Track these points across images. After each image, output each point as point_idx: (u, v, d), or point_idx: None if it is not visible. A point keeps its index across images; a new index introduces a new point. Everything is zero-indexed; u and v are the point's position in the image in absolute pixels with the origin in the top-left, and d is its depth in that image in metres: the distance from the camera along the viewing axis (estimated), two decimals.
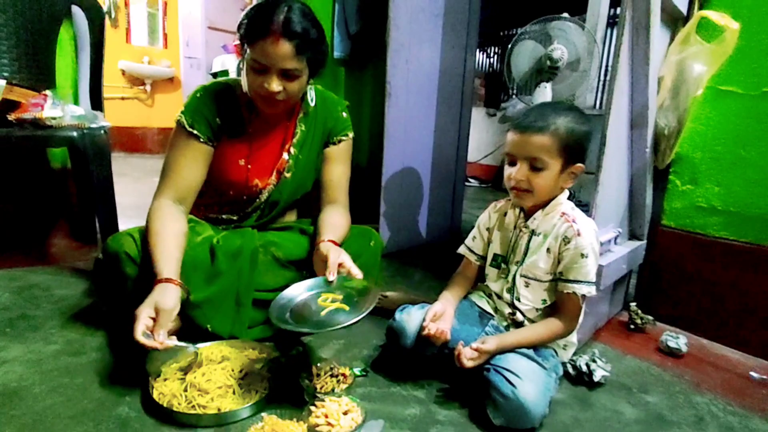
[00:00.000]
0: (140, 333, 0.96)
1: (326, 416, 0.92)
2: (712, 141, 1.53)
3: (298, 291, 1.14)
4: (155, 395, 0.98)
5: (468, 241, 1.29)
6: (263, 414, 0.97)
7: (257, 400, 0.99)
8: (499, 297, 1.20)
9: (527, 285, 1.15)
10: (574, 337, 1.20)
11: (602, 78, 3.09)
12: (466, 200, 2.73)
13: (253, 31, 1.14)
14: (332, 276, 1.12)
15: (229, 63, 4.28)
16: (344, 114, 1.44)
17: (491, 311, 1.22)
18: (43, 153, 2.03)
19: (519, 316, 1.16)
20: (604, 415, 1.09)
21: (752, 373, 1.34)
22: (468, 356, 1.03)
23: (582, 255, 1.07)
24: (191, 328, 1.23)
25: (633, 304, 1.61)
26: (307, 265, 1.28)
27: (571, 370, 1.22)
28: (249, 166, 1.35)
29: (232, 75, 3.69)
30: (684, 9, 1.52)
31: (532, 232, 1.15)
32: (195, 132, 1.26)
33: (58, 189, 2.08)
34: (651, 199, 1.64)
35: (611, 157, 1.34)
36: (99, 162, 1.67)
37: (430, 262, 2.19)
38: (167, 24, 5.35)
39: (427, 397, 1.10)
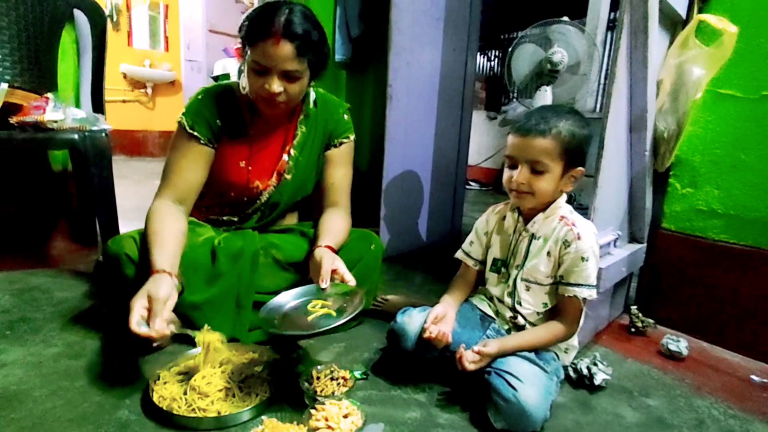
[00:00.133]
0: (135, 323, 0.95)
1: (326, 419, 0.92)
2: (712, 144, 1.53)
3: (289, 297, 1.15)
4: (155, 398, 0.98)
5: (465, 245, 1.29)
6: (263, 417, 0.96)
7: (257, 404, 0.99)
8: (500, 301, 1.20)
9: (528, 289, 1.15)
10: (575, 341, 1.20)
11: (602, 81, 3.10)
12: (467, 203, 2.73)
13: (255, 32, 1.14)
14: (324, 283, 1.12)
15: (230, 66, 4.29)
16: (345, 116, 1.44)
17: (492, 314, 1.22)
18: (45, 155, 2.04)
19: (520, 320, 1.16)
20: (606, 419, 1.09)
21: (753, 377, 1.34)
22: (469, 359, 1.02)
23: (582, 258, 1.07)
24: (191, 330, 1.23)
25: (634, 307, 1.61)
26: (308, 268, 1.28)
27: (572, 373, 1.21)
28: (249, 168, 1.36)
29: (233, 78, 3.70)
30: (683, 12, 1.53)
31: (532, 236, 1.15)
32: (195, 134, 1.27)
33: (58, 191, 2.09)
34: (651, 202, 1.64)
35: (610, 160, 1.34)
36: (100, 164, 1.67)
37: (430, 266, 2.18)
38: (168, 27, 5.37)
39: (428, 401, 1.10)
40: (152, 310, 0.97)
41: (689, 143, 1.58)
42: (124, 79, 5.19)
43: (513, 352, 1.05)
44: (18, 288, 1.59)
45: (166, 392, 1.00)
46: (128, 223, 1.66)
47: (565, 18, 1.74)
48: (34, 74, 1.85)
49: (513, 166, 1.10)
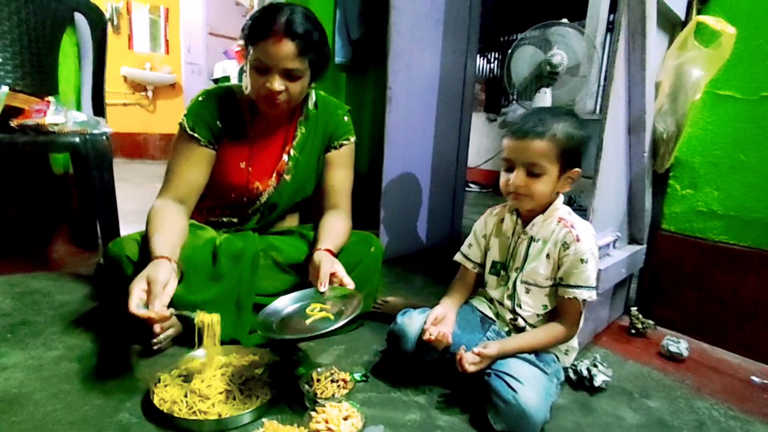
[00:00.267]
0: (134, 305, 0.94)
1: (326, 422, 0.92)
2: (711, 145, 1.54)
3: (288, 301, 1.16)
4: (156, 401, 0.98)
5: (464, 248, 1.29)
6: (264, 420, 0.96)
7: (258, 406, 0.99)
8: (500, 303, 1.20)
9: (528, 291, 1.16)
10: (575, 342, 1.20)
11: (602, 83, 3.10)
12: (467, 205, 2.73)
13: (257, 31, 1.16)
14: (323, 287, 1.12)
15: (231, 69, 4.30)
16: (345, 118, 1.45)
17: (492, 316, 1.22)
18: (46, 159, 2.04)
19: (520, 322, 1.16)
20: (606, 420, 1.09)
21: (753, 378, 1.34)
22: (469, 361, 1.02)
23: (582, 260, 1.07)
24: (192, 332, 1.23)
25: (634, 309, 1.61)
26: (307, 271, 1.28)
27: (572, 374, 1.21)
28: (250, 169, 1.36)
29: (234, 81, 3.71)
30: (681, 14, 1.53)
31: (531, 239, 1.15)
32: (196, 135, 1.28)
33: (60, 194, 2.09)
34: (650, 203, 1.64)
35: (609, 161, 1.34)
36: (101, 167, 1.68)
37: (430, 268, 2.19)
38: (169, 30, 5.39)
39: (428, 403, 1.10)
40: (151, 293, 0.97)
41: (689, 144, 1.58)
42: (124, 82, 5.21)
43: (513, 354, 1.06)
44: (19, 291, 1.60)
45: (167, 395, 1.01)
46: (129, 226, 1.66)
47: (565, 20, 1.74)
48: (35, 78, 1.86)
49: (510, 169, 1.10)
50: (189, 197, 1.29)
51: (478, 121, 5.38)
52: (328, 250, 1.23)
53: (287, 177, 1.40)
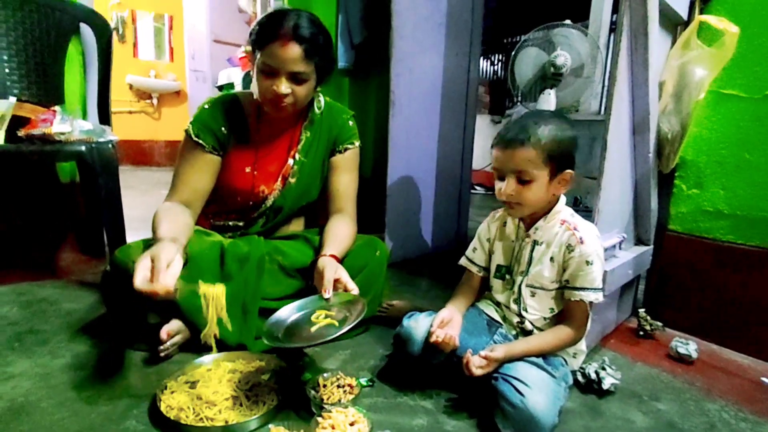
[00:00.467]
0: (139, 280, 0.93)
1: (333, 427, 0.91)
2: (717, 145, 1.53)
3: (293, 309, 1.16)
4: (163, 408, 0.98)
5: (469, 252, 1.29)
6: (270, 426, 0.96)
7: (264, 412, 0.99)
8: (507, 307, 1.20)
9: (533, 295, 1.15)
10: (583, 345, 1.19)
11: (607, 83, 3.08)
12: (472, 208, 2.72)
13: (265, 35, 1.19)
14: (327, 293, 1.12)
15: (235, 76, 4.32)
16: (350, 123, 1.46)
17: (499, 319, 1.21)
18: (52, 167, 2.06)
19: (527, 325, 1.15)
20: (615, 424, 1.08)
21: (763, 379, 1.32)
22: (476, 364, 1.02)
23: (587, 262, 1.07)
24: (199, 339, 1.24)
25: (642, 310, 1.60)
26: (313, 275, 1.29)
27: (580, 378, 1.20)
28: (255, 173, 1.38)
29: (238, 87, 3.73)
30: (684, 14, 1.53)
31: (535, 242, 1.14)
32: (200, 142, 1.30)
33: (66, 202, 2.11)
34: (656, 203, 1.63)
35: (613, 162, 1.34)
36: (107, 175, 1.69)
37: (436, 271, 2.18)
38: (173, 38, 5.44)
39: (435, 407, 1.10)
40: (155, 269, 0.95)
41: (694, 144, 1.57)
42: (130, 89, 5.25)
43: (520, 358, 1.05)
44: (26, 300, 1.61)
45: (174, 402, 1.01)
46: (135, 233, 1.67)
47: (568, 21, 1.74)
48: (41, 87, 1.88)
49: (501, 178, 1.09)
50: (194, 202, 1.31)
51: (483, 123, 5.38)
52: (333, 256, 1.23)
53: (292, 180, 1.41)
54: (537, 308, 1.15)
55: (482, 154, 5.32)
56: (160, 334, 1.19)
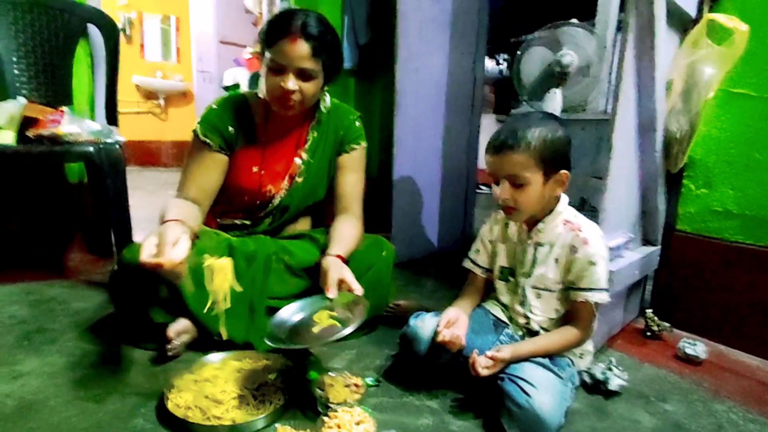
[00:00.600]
0: (145, 254, 0.93)
1: (339, 427, 0.92)
2: (726, 144, 1.51)
3: (296, 309, 1.16)
4: (170, 406, 0.99)
5: (472, 253, 1.28)
6: (277, 425, 0.97)
7: (271, 411, 0.99)
8: (512, 308, 1.19)
9: (538, 296, 1.14)
10: (590, 346, 1.18)
11: (615, 82, 3.06)
12: (478, 207, 2.71)
13: (274, 33, 1.21)
14: (331, 293, 1.13)
15: (241, 76, 4.34)
16: (357, 123, 1.47)
17: (506, 320, 1.21)
18: (61, 168, 2.08)
19: (534, 326, 1.15)
20: (622, 425, 1.07)
21: None
22: (483, 365, 1.02)
23: (591, 262, 1.06)
24: (206, 338, 1.24)
25: (649, 311, 1.59)
26: (318, 275, 1.29)
27: (587, 378, 1.20)
28: (262, 172, 1.39)
29: (244, 88, 3.74)
30: (692, 12, 1.51)
31: (537, 243, 1.13)
32: (208, 141, 1.32)
33: (74, 203, 2.12)
34: (664, 203, 1.62)
35: (619, 162, 1.33)
36: (114, 176, 1.70)
37: (442, 271, 2.18)
38: (180, 39, 5.46)
39: (441, 407, 1.10)
40: (161, 244, 0.96)
41: (703, 143, 1.56)
42: (136, 90, 5.28)
43: (527, 358, 1.04)
44: (35, 299, 1.62)
45: (181, 400, 1.01)
46: (142, 233, 1.68)
47: (574, 20, 1.73)
48: (50, 88, 1.89)
49: (497, 183, 1.09)
50: (202, 200, 1.32)
51: (488, 122, 5.36)
52: (339, 256, 1.24)
53: (299, 180, 1.41)
54: (542, 309, 1.14)
55: None
56: (168, 333, 1.20)
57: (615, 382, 1.16)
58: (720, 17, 1.44)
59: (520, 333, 1.18)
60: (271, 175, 1.40)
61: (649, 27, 1.30)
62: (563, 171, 1.07)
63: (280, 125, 1.38)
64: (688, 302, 1.62)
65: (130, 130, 5.02)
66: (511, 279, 1.19)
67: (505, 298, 1.21)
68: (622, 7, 2.25)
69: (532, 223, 1.14)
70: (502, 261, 1.21)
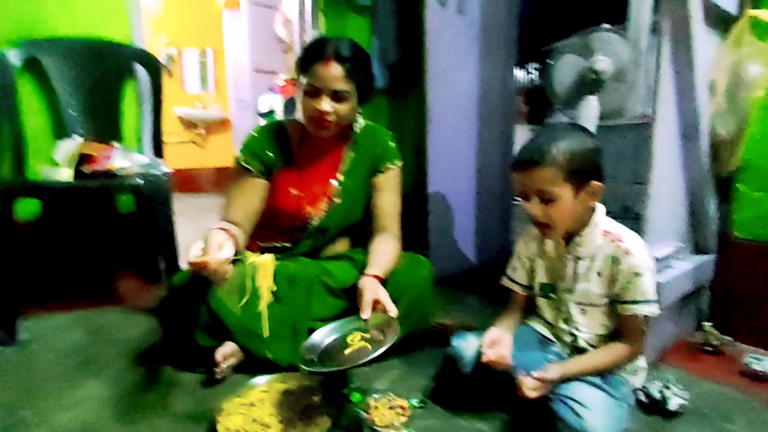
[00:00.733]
0: (192, 255, 1.02)
1: None
2: None
3: (329, 331, 1.17)
4: (221, 430, 1.01)
5: (509, 271, 1.25)
6: None
7: None
8: (557, 326, 1.16)
9: (584, 312, 1.10)
10: (643, 362, 1.13)
11: (653, 86, 2.96)
12: (517, 220, 2.66)
13: (308, 58, 1.28)
14: (364, 315, 1.13)
15: (276, 103, 4.47)
16: (391, 143, 1.49)
17: (552, 337, 1.17)
18: (112, 200, 2.19)
19: (581, 343, 1.11)
20: None
21: None
22: (530, 386, 0.98)
23: (636, 273, 1.02)
24: (253, 360, 1.27)
25: (707, 324, 1.50)
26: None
27: (643, 398, 1.14)
28: (301, 195, 1.42)
29: (279, 114, 3.85)
30: (732, 10, 1.46)
31: (577, 258, 1.10)
32: (248, 167, 1.37)
33: (125, 232, 2.22)
34: (716, 210, 1.54)
35: (662, 168, 1.28)
36: (162, 206, 1.78)
37: (483, 287, 2.14)
38: (217, 70, 5.70)
39: (490, 429, 1.07)
40: (206, 249, 1.04)
41: (755, 144, 1.48)
42: (179, 121, 5.53)
43: (576, 377, 1.01)
44: (90, 326, 1.69)
45: (231, 424, 1.03)
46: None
47: (606, 25, 1.70)
48: (102, 125, 2.01)
49: (526, 199, 1.07)
50: (245, 223, 1.36)
51: (522, 133, 5.29)
52: (376, 276, 1.24)
53: (337, 201, 1.44)
54: (589, 326, 1.10)
55: None
56: (216, 357, 1.23)
57: (675, 402, 1.10)
58: (763, 13, 1.39)
59: (568, 351, 1.14)
60: (310, 197, 1.43)
61: (684, 28, 1.26)
62: (594, 182, 1.03)
63: (316, 147, 1.42)
64: (751, 314, 1.52)
65: (173, 159, 5.19)
66: (553, 295, 1.16)
67: (548, 315, 1.18)
68: (656, 9, 2.20)
69: (569, 236, 1.11)
70: (541, 277, 1.18)
